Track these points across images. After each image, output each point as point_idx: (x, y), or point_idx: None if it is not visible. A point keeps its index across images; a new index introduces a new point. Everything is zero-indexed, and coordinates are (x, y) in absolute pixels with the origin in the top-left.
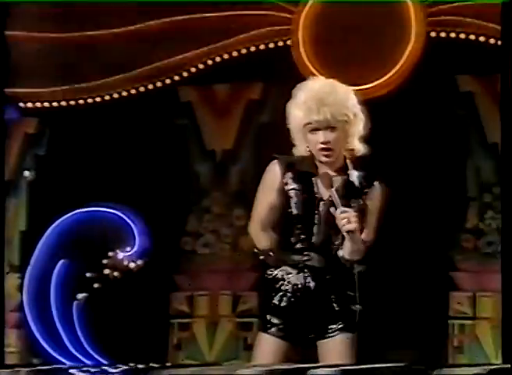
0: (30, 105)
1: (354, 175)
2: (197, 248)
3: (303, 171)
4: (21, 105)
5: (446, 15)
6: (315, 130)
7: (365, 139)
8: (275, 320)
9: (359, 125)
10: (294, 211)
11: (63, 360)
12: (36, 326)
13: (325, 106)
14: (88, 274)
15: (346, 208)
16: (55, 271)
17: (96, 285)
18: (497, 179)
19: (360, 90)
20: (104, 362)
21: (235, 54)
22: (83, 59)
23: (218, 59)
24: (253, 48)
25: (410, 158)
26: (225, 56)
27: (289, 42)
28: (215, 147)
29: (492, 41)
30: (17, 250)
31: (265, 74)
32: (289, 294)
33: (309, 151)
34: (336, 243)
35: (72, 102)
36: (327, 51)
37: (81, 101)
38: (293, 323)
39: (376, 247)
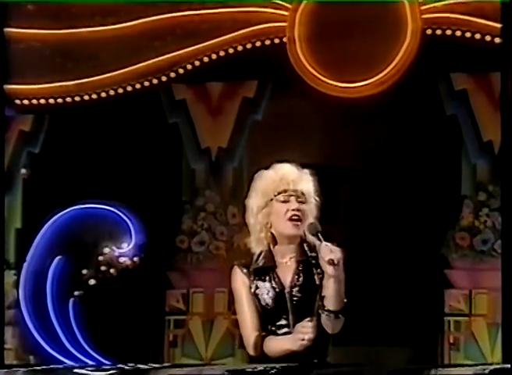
0: (26, 102)
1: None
2: (192, 245)
3: (262, 267)
4: (17, 102)
5: (442, 12)
6: (287, 200)
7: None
8: None
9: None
10: (267, 306)
11: (59, 357)
12: (32, 323)
13: (298, 181)
14: (84, 271)
15: (329, 244)
16: (51, 268)
17: (92, 282)
18: (492, 177)
19: (355, 87)
20: (100, 358)
21: (231, 51)
22: (78, 57)
23: (214, 57)
24: (249, 46)
25: (405, 156)
26: (221, 53)
27: (284, 39)
28: (210, 145)
29: (488, 38)
30: (13, 247)
31: (260, 72)
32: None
33: (269, 232)
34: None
35: (68, 99)
36: (322, 49)
37: (77, 99)
38: None
39: (372, 245)
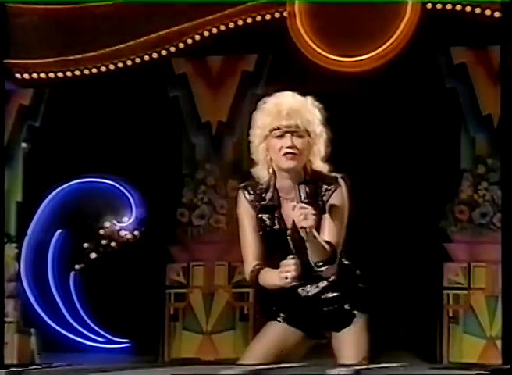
0: (26, 76)
1: (317, 180)
2: (193, 219)
3: (267, 205)
4: (17, 76)
5: None
6: (282, 135)
7: (327, 159)
8: (282, 310)
9: (321, 144)
10: (271, 242)
11: (60, 329)
12: (33, 296)
13: (294, 113)
14: (85, 245)
15: (306, 205)
16: (52, 241)
17: (93, 255)
18: (491, 150)
19: (355, 61)
20: (101, 331)
21: (231, 25)
22: (79, 31)
23: (214, 31)
24: (249, 20)
25: (404, 130)
26: (222, 28)
27: (285, 13)
28: (210, 118)
29: (488, 12)
30: (14, 220)
31: (260, 46)
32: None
33: (271, 167)
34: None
35: (68, 73)
36: (322, 23)
37: (77, 73)
38: (300, 315)
39: (372, 218)
